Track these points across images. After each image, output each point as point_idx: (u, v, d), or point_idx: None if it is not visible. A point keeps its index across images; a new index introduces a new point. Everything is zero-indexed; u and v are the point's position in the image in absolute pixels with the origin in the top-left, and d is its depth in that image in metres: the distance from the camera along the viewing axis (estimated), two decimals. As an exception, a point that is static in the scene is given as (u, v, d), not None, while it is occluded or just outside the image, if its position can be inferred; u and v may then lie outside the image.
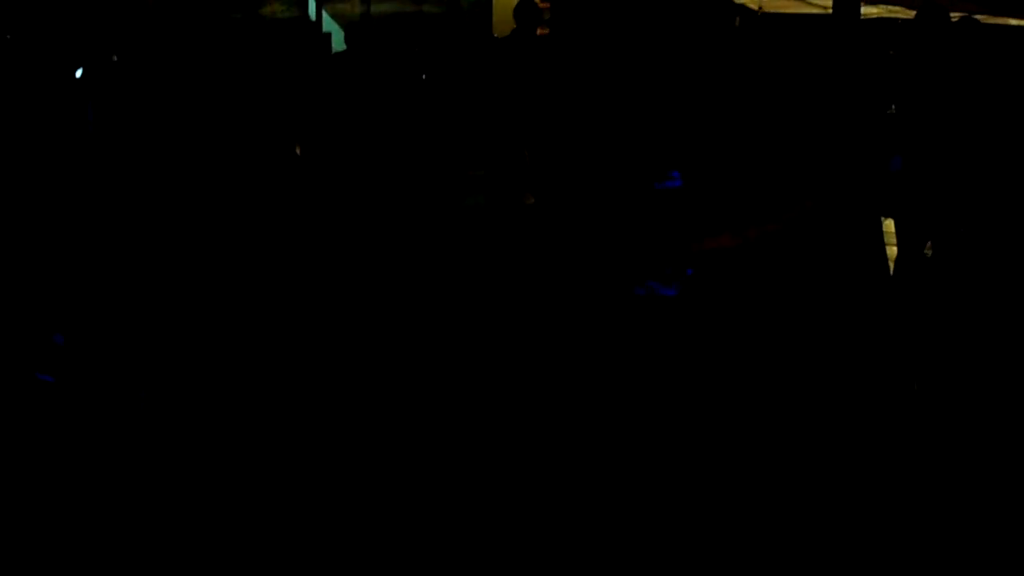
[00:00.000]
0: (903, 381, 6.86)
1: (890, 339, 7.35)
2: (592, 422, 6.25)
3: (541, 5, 9.74)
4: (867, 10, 12.42)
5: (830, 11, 9.05)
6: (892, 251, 8.17)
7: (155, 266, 7.71)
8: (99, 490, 5.43)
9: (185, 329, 7.15)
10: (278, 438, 5.91)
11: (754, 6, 14.23)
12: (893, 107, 8.26)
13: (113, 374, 6.52)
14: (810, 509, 5.42)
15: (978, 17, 12.60)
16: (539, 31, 9.45)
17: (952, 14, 9.24)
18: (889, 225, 8.23)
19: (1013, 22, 14.50)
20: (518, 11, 9.25)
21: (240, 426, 6.02)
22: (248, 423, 6.05)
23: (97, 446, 5.79)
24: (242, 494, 5.39)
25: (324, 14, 15.75)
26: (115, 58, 9.23)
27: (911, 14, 9.58)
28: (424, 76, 9.35)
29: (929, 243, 7.98)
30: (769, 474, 5.72)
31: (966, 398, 6.54)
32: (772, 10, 14.62)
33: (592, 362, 6.86)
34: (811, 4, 14.17)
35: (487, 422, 6.28)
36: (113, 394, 6.30)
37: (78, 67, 9.09)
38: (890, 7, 13.75)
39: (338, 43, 12.27)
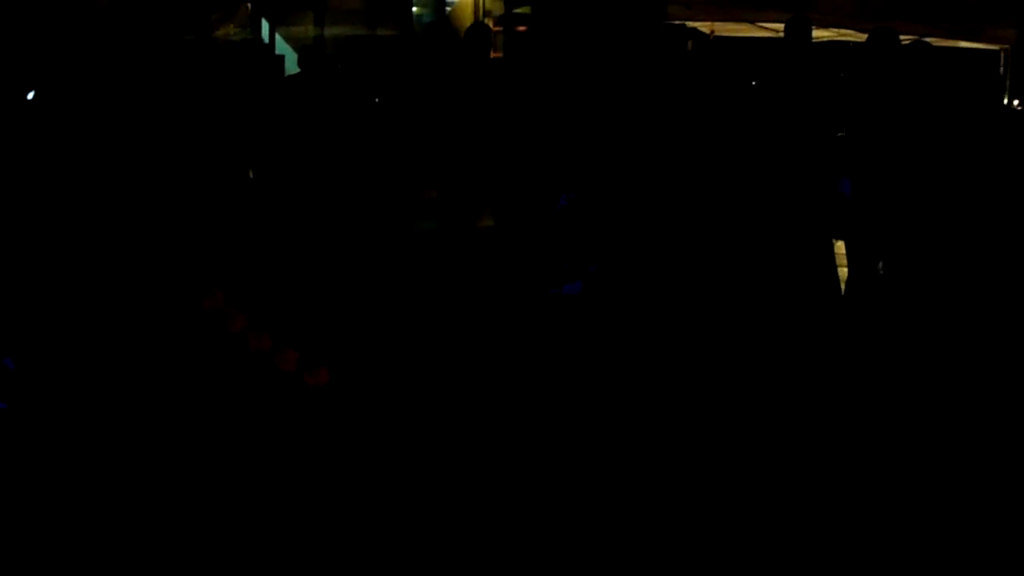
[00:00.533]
0: (853, 395, 6.91)
1: (842, 356, 7.43)
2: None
3: (494, 29, 9.78)
4: (819, 33, 12.51)
5: (782, 35, 9.07)
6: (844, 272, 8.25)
7: (106, 290, 7.65)
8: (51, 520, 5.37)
9: (137, 355, 7.11)
10: (231, 469, 5.86)
11: (707, 30, 14.30)
12: (843, 130, 8.30)
13: (63, 400, 6.46)
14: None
15: (929, 40, 12.74)
16: (492, 54, 9.46)
17: (903, 37, 9.30)
18: (841, 246, 8.29)
19: (964, 44, 14.65)
20: (470, 34, 9.25)
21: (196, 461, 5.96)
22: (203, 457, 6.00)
23: (50, 475, 5.72)
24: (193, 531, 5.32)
25: (277, 36, 15.73)
26: (67, 79, 9.17)
27: (863, 37, 9.64)
28: (377, 99, 9.33)
29: (881, 263, 8.04)
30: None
31: (918, 414, 6.60)
32: (724, 34, 14.72)
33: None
34: (763, 28, 14.24)
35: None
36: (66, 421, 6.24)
37: (29, 89, 9.03)
38: (841, 30, 13.85)
39: (291, 66, 12.24)
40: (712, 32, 14.54)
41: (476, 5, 19.95)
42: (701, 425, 6.44)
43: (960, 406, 6.71)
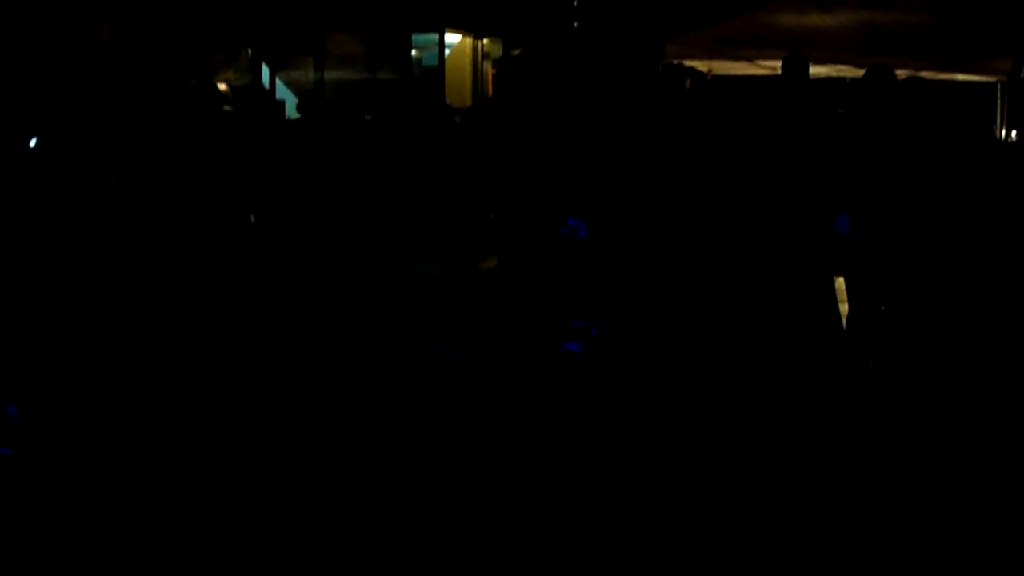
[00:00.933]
0: (857, 430, 6.93)
1: (845, 391, 7.46)
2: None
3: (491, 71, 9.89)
4: (816, 70, 12.56)
5: (778, 72, 9.11)
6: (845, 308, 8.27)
7: (108, 341, 7.67)
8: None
9: (138, 408, 7.12)
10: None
11: (704, 68, 14.37)
12: (841, 166, 8.32)
13: (66, 453, 6.46)
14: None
15: (925, 74, 12.77)
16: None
17: (899, 72, 9.34)
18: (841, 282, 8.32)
19: (960, 77, 14.70)
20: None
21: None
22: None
23: (50, 526, 5.72)
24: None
25: (278, 81, 15.83)
26: (70, 126, 9.22)
27: (860, 73, 9.68)
28: (376, 143, 9.39)
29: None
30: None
31: (921, 449, 6.62)
32: (721, 72, 14.78)
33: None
34: (760, 66, 14.30)
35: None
36: (66, 474, 6.24)
37: (31, 137, 9.07)
38: (838, 66, 13.90)
39: (292, 110, 12.32)
40: (710, 71, 14.61)
41: (474, 48, 20.09)
42: (706, 462, 6.45)
43: (963, 440, 6.73)
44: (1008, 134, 14.89)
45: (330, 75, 16.24)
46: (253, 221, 9.33)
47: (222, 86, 11.32)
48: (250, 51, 16.17)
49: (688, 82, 9.88)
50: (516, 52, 16.43)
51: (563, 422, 7.02)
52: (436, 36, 18.68)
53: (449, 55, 19.33)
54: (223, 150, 9.55)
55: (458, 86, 18.67)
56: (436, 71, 18.27)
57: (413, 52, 18.36)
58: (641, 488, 6.10)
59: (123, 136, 9.60)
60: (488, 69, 20.61)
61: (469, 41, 20.05)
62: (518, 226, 8.76)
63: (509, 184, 8.86)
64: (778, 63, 9.19)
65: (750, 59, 14.45)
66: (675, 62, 12.51)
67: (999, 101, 15.05)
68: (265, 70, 16.12)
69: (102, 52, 14.21)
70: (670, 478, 6.23)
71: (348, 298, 8.62)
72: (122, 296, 8.07)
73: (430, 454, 6.55)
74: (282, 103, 13.46)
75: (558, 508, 5.82)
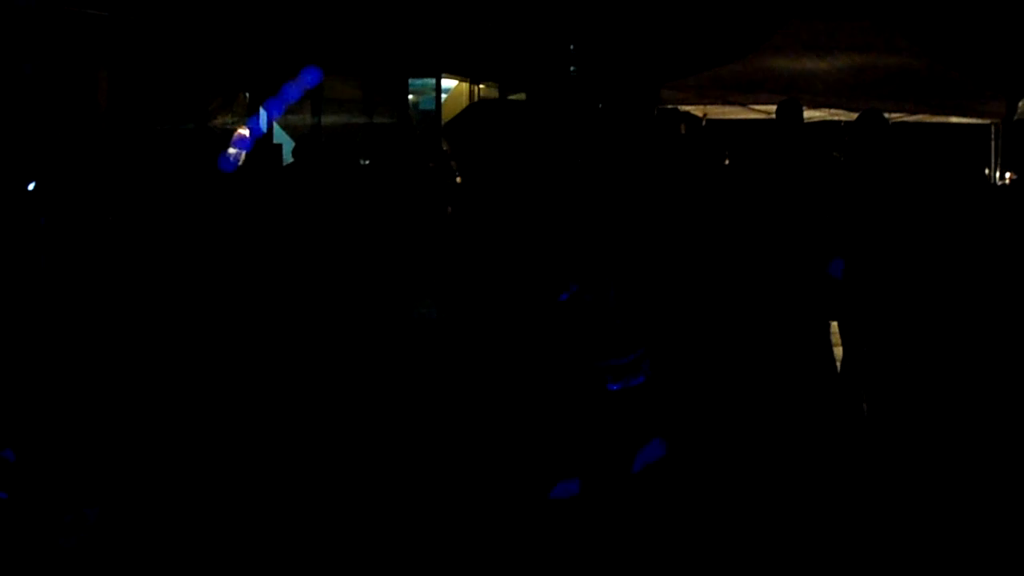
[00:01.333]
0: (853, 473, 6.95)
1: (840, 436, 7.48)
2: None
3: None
4: (810, 113, 12.64)
5: (773, 116, 9.18)
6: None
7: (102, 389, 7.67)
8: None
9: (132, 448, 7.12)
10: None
11: (699, 113, 14.45)
12: (836, 210, 8.36)
13: (62, 492, 6.46)
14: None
15: (919, 117, 12.82)
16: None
17: (893, 115, 9.39)
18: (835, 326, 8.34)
19: (954, 120, 14.78)
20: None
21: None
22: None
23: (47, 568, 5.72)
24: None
25: (275, 125, 15.84)
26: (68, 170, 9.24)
27: (854, 116, 9.74)
28: (372, 188, 9.40)
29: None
30: None
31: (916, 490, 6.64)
32: (716, 116, 14.87)
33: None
34: (754, 110, 14.38)
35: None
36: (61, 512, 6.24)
37: (29, 181, 9.09)
38: (832, 110, 13.97)
39: (289, 154, 12.33)
40: (705, 115, 14.69)
41: (471, 92, 20.18)
42: (708, 503, 6.46)
43: (958, 482, 6.75)
44: (1002, 177, 14.95)
45: (327, 119, 16.29)
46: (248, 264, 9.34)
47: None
48: (247, 95, 16.21)
49: (683, 127, 9.93)
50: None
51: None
52: (433, 81, 18.78)
53: (446, 100, 19.42)
54: (218, 193, 9.58)
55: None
56: (433, 116, 18.36)
57: (410, 97, 18.45)
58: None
59: (122, 181, 9.63)
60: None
61: (466, 86, 20.15)
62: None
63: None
64: (773, 107, 9.26)
65: (745, 104, 14.52)
66: (670, 107, 12.59)
67: (993, 143, 15.11)
68: (262, 113, 16.15)
69: (100, 97, 14.26)
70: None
71: (345, 340, 8.61)
72: (116, 338, 8.07)
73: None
74: (279, 147, 13.48)
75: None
